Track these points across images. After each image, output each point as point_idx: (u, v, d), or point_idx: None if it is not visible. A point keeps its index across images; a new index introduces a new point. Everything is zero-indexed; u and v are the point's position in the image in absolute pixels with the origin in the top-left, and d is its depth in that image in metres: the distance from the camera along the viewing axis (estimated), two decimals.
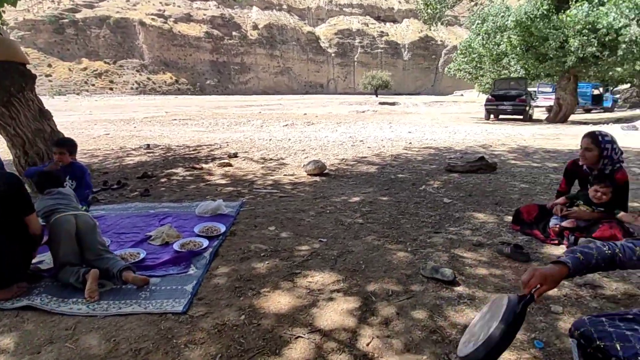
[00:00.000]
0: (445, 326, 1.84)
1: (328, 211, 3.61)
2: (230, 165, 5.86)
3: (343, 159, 6.36)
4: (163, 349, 1.70)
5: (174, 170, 5.59)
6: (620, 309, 1.92)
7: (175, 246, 2.71)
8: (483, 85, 21.26)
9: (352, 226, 3.21)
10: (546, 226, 2.83)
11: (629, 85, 23.62)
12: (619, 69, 13.42)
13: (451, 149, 7.40)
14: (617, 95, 23.05)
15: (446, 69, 22.28)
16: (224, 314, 1.97)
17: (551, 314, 1.92)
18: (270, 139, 8.79)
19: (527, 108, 15.64)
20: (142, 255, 2.57)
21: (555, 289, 2.14)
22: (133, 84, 65.08)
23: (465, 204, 3.75)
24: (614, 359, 1.31)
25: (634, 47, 11.58)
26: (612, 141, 2.65)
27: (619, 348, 1.31)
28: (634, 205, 3.47)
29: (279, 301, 2.09)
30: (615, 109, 21.14)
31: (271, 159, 6.35)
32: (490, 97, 16.17)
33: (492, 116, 16.37)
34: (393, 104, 27.48)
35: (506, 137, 9.43)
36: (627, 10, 11.26)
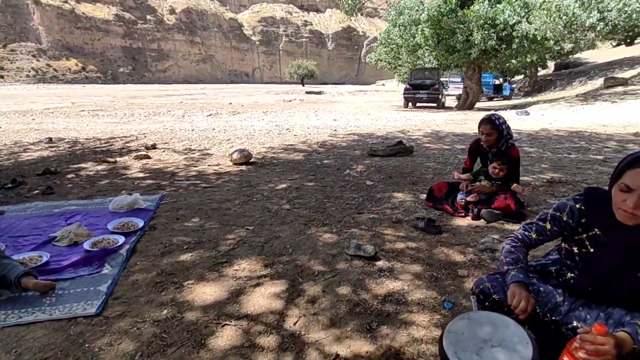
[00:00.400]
0: (367, 299, 1.95)
1: (255, 199, 3.58)
2: (148, 157, 5.49)
3: (270, 147, 6.32)
4: (74, 355, 1.57)
5: (82, 165, 5.08)
6: None
7: (86, 245, 2.48)
8: (402, 75, 22.47)
9: (279, 212, 3.22)
10: (454, 201, 3.12)
11: (522, 76, 26.69)
12: (514, 61, 15.10)
13: (373, 134, 7.75)
14: (514, 85, 25.91)
15: (367, 58, 23.10)
16: (143, 311, 1.87)
17: (458, 277, 2.13)
18: (192, 129, 8.40)
19: (440, 96, 16.94)
20: (45, 259, 2.31)
21: (462, 255, 2.39)
22: (29, 71, 57.25)
23: (385, 185, 3.97)
24: (505, 308, 1.51)
25: (525, 41, 13.09)
26: (505, 121, 3.01)
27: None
28: (525, 179, 3.97)
29: (204, 292, 2.03)
30: (512, 97, 23.77)
31: (194, 150, 6.08)
32: (408, 86, 17.19)
33: (410, 104, 17.45)
34: (319, 93, 27.83)
35: (422, 122, 10.12)
36: (519, 8, 12.65)
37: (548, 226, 1.48)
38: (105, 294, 1.99)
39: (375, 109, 15.56)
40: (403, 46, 17.07)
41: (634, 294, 1.36)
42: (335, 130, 8.47)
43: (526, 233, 1.55)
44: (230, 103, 17.90)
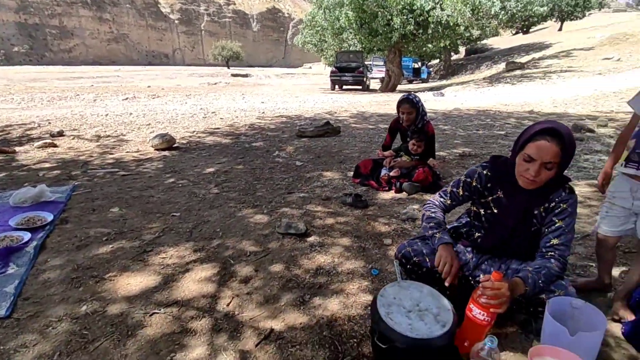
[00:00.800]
0: (300, 273, 2.00)
1: (180, 185, 3.42)
2: (55, 145, 4.94)
3: (194, 131, 6.04)
4: None
5: None
6: None
7: None
8: (328, 58, 22.70)
9: (207, 197, 3.13)
10: (379, 176, 3.29)
11: (438, 60, 28.52)
12: (430, 45, 16.03)
13: (302, 116, 7.78)
14: (431, 69, 27.62)
15: (295, 40, 22.90)
16: (59, 309, 1.72)
17: (384, 246, 2.28)
18: (107, 114, 7.68)
19: (365, 79, 17.46)
20: None
21: (387, 226, 2.54)
22: None
23: (315, 165, 4.04)
24: (425, 269, 1.66)
25: (439, 27, 13.96)
26: (420, 100, 3.22)
27: (427, 260, 1.66)
28: (440, 153, 4.31)
29: (128, 283, 1.92)
30: (429, 80, 25.37)
31: (109, 136, 5.59)
32: (334, 68, 17.43)
33: (336, 86, 17.75)
34: (246, 75, 27.03)
35: (348, 104, 10.39)
36: None
37: (460, 192, 1.65)
38: (13, 295, 1.79)
39: (303, 92, 15.59)
40: (328, 29, 17.19)
41: (528, 248, 1.58)
42: (263, 112, 8.34)
43: (442, 199, 1.70)
44: (149, 86, 16.64)
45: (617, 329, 1.53)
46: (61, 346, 1.49)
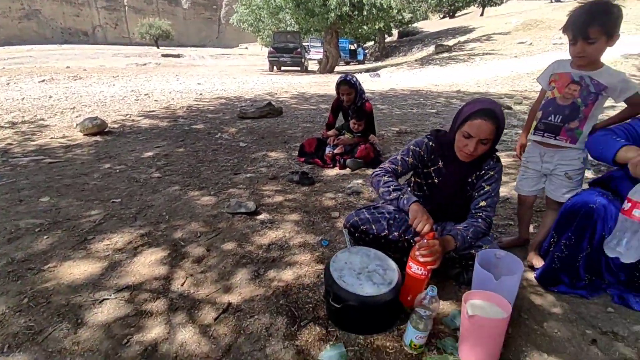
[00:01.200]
0: (253, 250, 2.05)
1: (118, 170, 3.25)
2: None
3: (127, 114, 5.67)
4: None
5: None
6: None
7: None
8: (265, 39, 22.17)
9: (148, 181, 3.01)
10: (324, 154, 3.40)
11: (373, 42, 29.17)
12: (365, 27, 16.31)
13: (242, 97, 7.63)
14: (367, 51, 28.21)
15: (230, 19, 21.99)
16: None
17: (332, 219, 2.39)
18: (23, 98, 6.90)
19: (303, 60, 17.39)
20: None
21: (333, 200, 2.66)
22: None
23: (259, 146, 4.04)
24: (371, 235, 1.79)
25: (374, 9, 14.26)
26: (357, 80, 3.35)
27: (374, 227, 1.79)
28: (379, 132, 4.52)
29: (71, 272, 1.84)
30: (366, 61, 25.93)
31: (26, 122, 5.06)
32: (271, 49, 17.11)
33: (275, 67, 17.48)
34: (178, 56, 25.53)
35: (288, 85, 10.35)
36: None
37: (410, 160, 1.75)
38: None
39: (241, 73, 15.16)
40: (264, 8, 16.75)
41: (463, 211, 1.77)
42: (201, 94, 8.03)
43: (393, 166, 1.75)
44: (68, 67, 15.08)
45: (531, 274, 1.79)
46: (8, 339, 1.42)
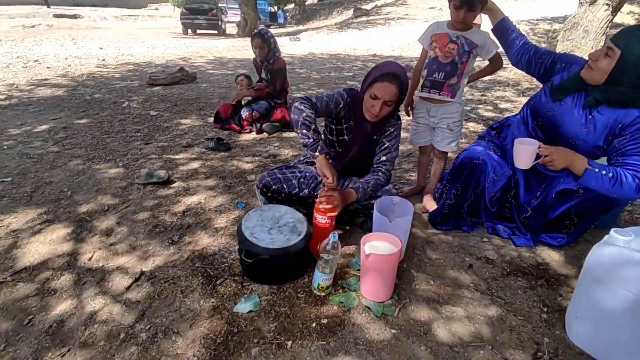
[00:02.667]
0: (166, 218, 2.02)
1: (6, 147, 2.90)
2: None
3: (13, 84, 4.97)
4: None
5: None
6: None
7: None
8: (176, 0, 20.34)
9: (44, 157, 2.75)
10: (240, 119, 3.36)
11: (293, 4, 28.36)
12: None
13: (152, 63, 7.07)
14: (287, 13, 27.40)
15: None
16: None
17: (248, 182, 2.42)
18: None
19: (220, 22, 16.40)
20: None
21: (250, 164, 2.68)
22: None
23: (172, 114, 3.85)
24: (283, 194, 1.87)
25: None
26: (272, 36, 3.27)
27: (285, 187, 1.86)
28: (295, 95, 4.55)
29: None
30: (286, 25, 25.26)
31: None
32: (184, 10, 15.84)
33: (189, 30, 16.30)
34: (74, 16, 22.33)
35: (204, 49, 9.78)
36: None
37: (331, 105, 1.73)
38: None
39: (151, 36, 13.88)
40: None
41: (369, 167, 1.91)
42: (104, 60, 7.26)
43: (315, 100, 1.69)
44: None
45: (425, 216, 2.03)
46: None
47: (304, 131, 1.61)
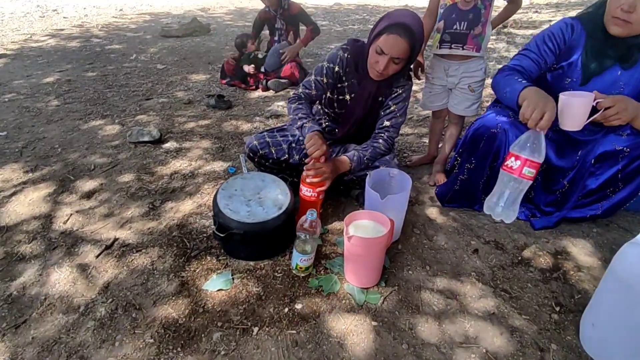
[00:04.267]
0: (152, 181, 1.90)
1: (6, 100, 2.85)
2: None
3: (29, 34, 4.91)
4: None
5: None
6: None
7: None
8: None
9: (43, 111, 2.67)
10: (245, 76, 3.13)
11: None
12: None
13: (169, 14, 6.81)
14: None
15: None
16: None
17: (244, 144, 2.24)
18: None
19: None
20: None
21: (250, 124, 2.50)
22: None
23: (179, 68, 3.67)
24: (271, 160, 1.69)
25: None
26: None
27: (273, 152, 1.67)
28: (314, 51, 4.22)
29: None
30: None
31: None
32: None
33: None
34: None
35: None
36: None
37: (324, 79, 1.58)
38: None
39: None
40: None
41: (370, 132, 1.68)
42: (121, 10, 7.06)
43: (307, 91, 1.61)
44: None
45: (433, 190, 1.81)
46: None
47: (295, 125, 1.56)
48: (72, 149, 2.17)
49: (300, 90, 1.63)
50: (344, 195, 1.72)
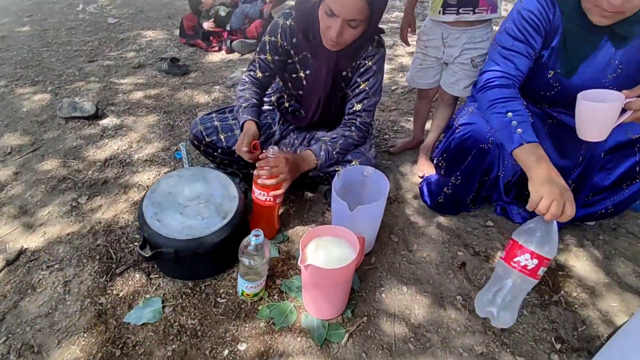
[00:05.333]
0: (80, 169, 1.58)
1: None
2: None
3: None
4: None
5: None
6: None
7: None
8: None
9: None
10: (208, 34, 2.70)
11: None
12: None
13: None
14: None
15: None
16: None
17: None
18: None
19: None
20: None
21: (208, 95, 2.14)
22: None
23: (133, 22, 3.19)
24: (220, 149, 1.37)
25: None
26: None
27: (223, 139, 1.35)
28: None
29: None
30: None
31: None
32: None
33: None
34: None
35: None
36: None
37: (269, 57, 1.27)
38: None
39: None
40: None
41: (336, 115, 1.37)
42: None
43: (252, 74, 1.33)
44: None
45: (416, 182, 1.54)
46: None
47: (237, 114, 1.28)
48: None
49: (246, 73, 1.36)
50: (311, 189, 1.44)
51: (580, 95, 0.94)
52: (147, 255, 1.05)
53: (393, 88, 2.25)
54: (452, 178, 1.27)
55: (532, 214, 1.28)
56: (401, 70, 2.46)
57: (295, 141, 1.41)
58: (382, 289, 1.13)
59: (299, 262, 0.92)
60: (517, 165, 1.20)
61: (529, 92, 1.17)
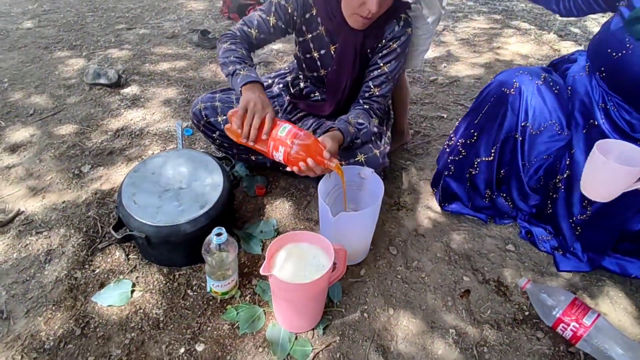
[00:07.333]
0: (91, 137, 1.58)
1: None
2: None
3: None
4: None
5: None
6: None
7: None
8: None
9: (11, 34, 2.35)
10: (244, 7, 2.61)
11: None
12: None
13: None
14: None
15: None
16: None
17: None
18: None
19: None
20: None
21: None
22: None
23: None
24: (218, 132, 1.29)
25: None
26: None
27: (220, 120, 1.28)
28: None
29: None
30: None
31: None
32: None
33: None
34: None
35: None
36: None
37: (271, 20, 1.14)
38: None
39: None
40: None
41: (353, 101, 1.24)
42: None
43: (246, 28, 1.15)
44: None
45: (424, 181, 1.36)
46: None
47: (224, 72, 1.09)
48: (20, 86, 1.87)
49: (237, 26, 1.17)
50: (315, 180, 1.33)
51: (597, 148, 0.75)
52: (118, 237, 1.00)
53: (432, 78, 2.03)
54: (461, 139, 1.15)
55: (561, 242, 1.09)
56: (446, 59, 2.22)
57: (304, 126, 1.30)
58: (366, 307, 1.00)
59: (261, 270, 0.82)
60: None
61: (602, 43, 0.98)
